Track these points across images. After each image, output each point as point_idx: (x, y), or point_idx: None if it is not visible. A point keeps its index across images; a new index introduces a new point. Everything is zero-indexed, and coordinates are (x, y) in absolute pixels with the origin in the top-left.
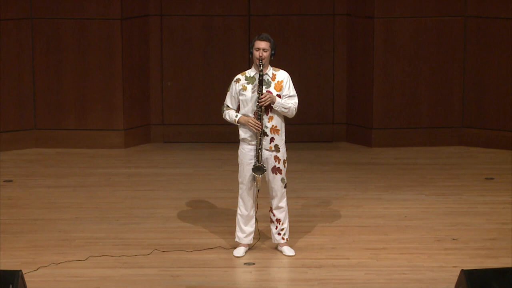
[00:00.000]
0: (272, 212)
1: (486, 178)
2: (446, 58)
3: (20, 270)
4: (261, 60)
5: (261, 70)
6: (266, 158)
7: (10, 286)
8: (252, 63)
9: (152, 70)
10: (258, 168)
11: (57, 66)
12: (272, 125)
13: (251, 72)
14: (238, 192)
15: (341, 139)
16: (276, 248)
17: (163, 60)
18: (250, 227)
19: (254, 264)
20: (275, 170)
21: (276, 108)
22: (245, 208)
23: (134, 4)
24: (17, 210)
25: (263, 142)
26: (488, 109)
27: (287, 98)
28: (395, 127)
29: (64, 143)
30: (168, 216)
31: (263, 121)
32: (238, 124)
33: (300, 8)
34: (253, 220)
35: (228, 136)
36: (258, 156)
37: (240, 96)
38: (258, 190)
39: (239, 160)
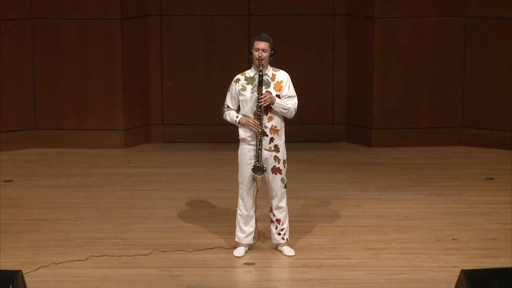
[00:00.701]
0: (272, 212)
1: (486, 178)
2: (446, 58)
3: (20, 270)
4: (261, 60)
5: (261, 71)
6: (266, 158)
7: (10, 286)
8: (252, 63)
9: (152, 70)
10: (258, 168)
11: (57, 66)
12: (272, 125)
13: (250, 73)
14: (238, 192)
15: (341, 139)
16: (276, 248)
17: (163, 60)
18: (250, 227)
19: (254, 264)
20: (275, 170)
21: (275, 109)
22: (245, 208)
23: (134, 4)
24: (17, 210)
25: (263, 142)
26: (488, 109)
27: (287, 98)
28: (395, 127)
29: (64, 143)
30: (168, 216)
31: (263, 121)
32: (239, 125)
33: (300, 8)
34: (253, 220)
35: (228, 136)
36: (258, 156)
37: (240, 96)
38: (257, 190)
39: (239, 160)
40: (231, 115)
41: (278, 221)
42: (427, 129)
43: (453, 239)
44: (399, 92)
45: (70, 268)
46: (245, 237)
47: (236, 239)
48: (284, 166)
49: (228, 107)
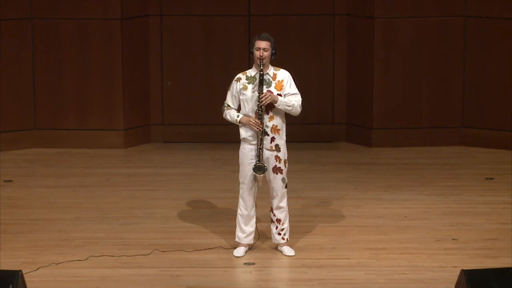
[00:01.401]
0: (272, 212)
1: (486, 178)
2: (446, 58)
3: (20, 270)
4: (262, 59)
5: (262, 70)
6: (267, 158)
7: (10, 286)
8: (253, 63)
9: (152, 70)
10: (259, 168)
11: (57, 66)
12: (273, 125)
13: (252, 72)
14: (238, 192)
15: (341, 139)
16: (276, 248)
17: (163, 60)
18: (250, 227)
19: (254, 264)
20: (276, 170)
21: (279, 107)
22: (245, 208)
23: (134, 4)
24: (17, 210)
25: (264, 142)
26: (488, 109)
27: (290, 96)
28: (395, 127)
29: (64, 143)
30: (168, 216)
31: (264, 121)
32: (239, 124)
33: (300, 8)
34: (254, 220)
35: (228, 136)
36: (259, 155)
37: (241, 95)
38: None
39: (240, 160)
40: (231, 114)
41: (278, 221)
42: (427, 129)
43: (453, 239)
44: (399, 92)
45: (70, 268)
46: (245, 237)
47: (236, 239)
48: (285, 166)
49: (228, 106)
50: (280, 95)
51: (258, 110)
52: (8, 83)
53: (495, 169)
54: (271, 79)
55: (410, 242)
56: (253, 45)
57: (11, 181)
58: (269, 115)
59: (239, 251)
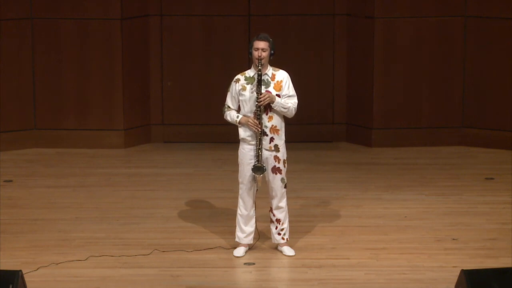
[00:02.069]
0: (272, 212)
1: (486, 178)
2: (446, 58)
3: (20, 270)
4: (260, 60)
5: (260, 70)
6: (266, 158)
7: (10, 286)
8: (252, 63)
9: (152, 70)
10: (258, 168)
11: (57, 66)
12: (272, 125)
13: (250, 72)
14: (238, 192)
15: (341, 139)
16: (276, 248)
17: (163, 60)
18: (250, 227)
19: (254, 264)
20: (275, 170)
21: (275, 108)
22: (245, 208)
23: (134, 4)
24: (17, 210)
25: (263, 142)
26: (488, 109)
27: (287, 98)
28: (395, 127)
29: (64, 143)
30: (168, 216)
31: (263, 121)
32: (239, 125)
33: (300, 8)
34: (253, 220)
35: (228, 136)
36: (258, 156)
37: (240, 96)
38: (257, 190)
39: (239, 160)
40: (231, 115)
41: (278, 221)
42: (427, 129)
43: (453, 239)
44: (399, 92)
45: (70, 268)
46: (245, 237)
47: (236, 239)
48: (284, 166)
49: (229, 107)
50: (278, 95)
51: (257, 111)
52: (8, 83)
53: (495, 169)
54: (269, 80)
55: (410, 242)
56: (252, 45)
57: (11, 181)
58: (268, 116)
59: (239, 251)
